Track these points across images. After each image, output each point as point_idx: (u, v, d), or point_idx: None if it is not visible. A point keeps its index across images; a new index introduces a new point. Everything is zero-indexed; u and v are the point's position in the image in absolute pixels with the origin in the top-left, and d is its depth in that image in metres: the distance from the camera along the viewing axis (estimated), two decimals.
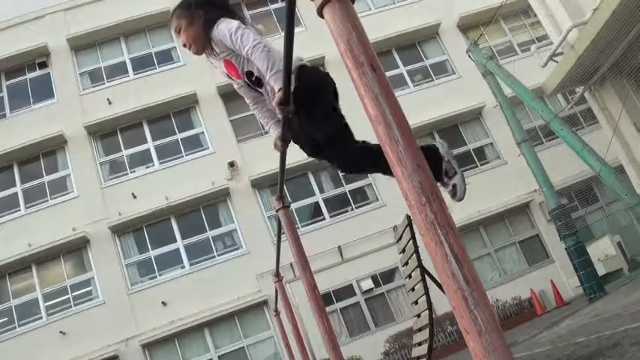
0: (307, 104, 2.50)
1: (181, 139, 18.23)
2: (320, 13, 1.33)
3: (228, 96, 17.59)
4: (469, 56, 13.79)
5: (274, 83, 2.38)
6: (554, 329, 8.96)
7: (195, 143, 18.26)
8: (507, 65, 14.66)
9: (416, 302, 3.97)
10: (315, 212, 17.64)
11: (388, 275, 16.82)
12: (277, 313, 8.14)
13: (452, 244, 1.16)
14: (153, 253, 16.88)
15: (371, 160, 2.62)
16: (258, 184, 17.38)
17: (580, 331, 6.64)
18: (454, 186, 2.61)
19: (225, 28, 2.51)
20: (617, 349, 4.05)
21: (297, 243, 3.67)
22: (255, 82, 2.65)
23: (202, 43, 2.66)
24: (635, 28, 9.68)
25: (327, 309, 13.95)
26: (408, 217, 3.85)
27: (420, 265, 3.67)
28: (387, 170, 2.40)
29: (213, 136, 18.01)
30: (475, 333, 1.12)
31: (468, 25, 19.92)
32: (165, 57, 19.27)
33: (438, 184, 2.44)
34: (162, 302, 16.05)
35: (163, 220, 17.23)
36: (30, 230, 16.42)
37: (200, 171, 17.28)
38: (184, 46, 2.75)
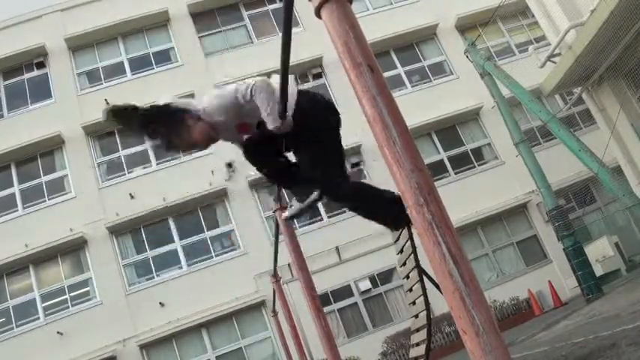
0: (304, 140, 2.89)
1: None
2: (317, 14, 1.33)
3: None
4: (467, 57, 13.75)
5: (269, 122, 2.74)
6: (551, 329, 8.97)
7: None
8: (505, 66, 14.67)
9: (414, 303, 3.96)
10: (312, 213, 17.60)
11: (386, 276, 16.82)
12: (275, 313, 8.14)
13: (450, 244, 1.16)
14: (150, 253, 16.86)
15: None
16: (256, 185, 17.35)
17: (578, 332, 6.64)
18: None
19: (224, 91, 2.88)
20: (615, 350, 4.05)
21: (295, 243, 3.67)
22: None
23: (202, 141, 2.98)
24: (633, 29, 9.69)
25: (325, 309, 13.91)
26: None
27: (418, 266, 3.66)
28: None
29: None
30: (473, 333, 1.12)
31: (466, 26, 19.93)
32: (163, 57, 19.24)
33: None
34: (160, 303, 16.02)
35: (161, 220, 17.21)
36: (27, 231, 16.38)
37: (198, 172, 17.25)
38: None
